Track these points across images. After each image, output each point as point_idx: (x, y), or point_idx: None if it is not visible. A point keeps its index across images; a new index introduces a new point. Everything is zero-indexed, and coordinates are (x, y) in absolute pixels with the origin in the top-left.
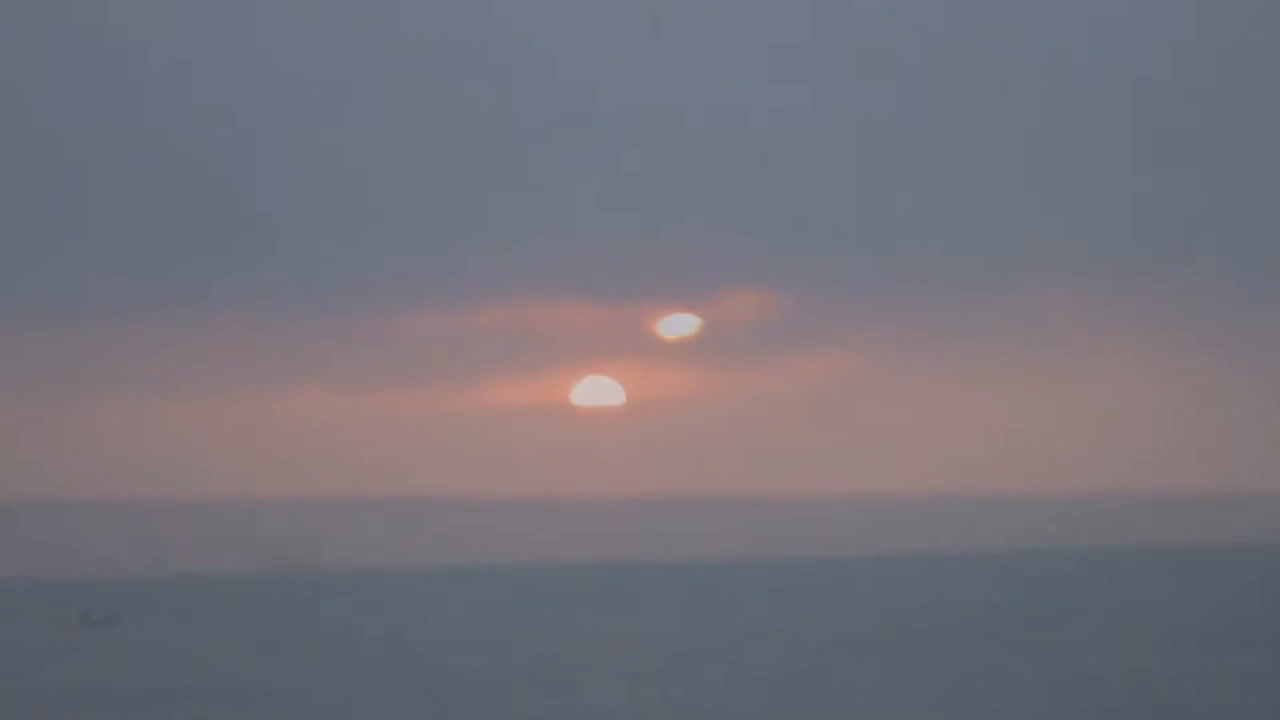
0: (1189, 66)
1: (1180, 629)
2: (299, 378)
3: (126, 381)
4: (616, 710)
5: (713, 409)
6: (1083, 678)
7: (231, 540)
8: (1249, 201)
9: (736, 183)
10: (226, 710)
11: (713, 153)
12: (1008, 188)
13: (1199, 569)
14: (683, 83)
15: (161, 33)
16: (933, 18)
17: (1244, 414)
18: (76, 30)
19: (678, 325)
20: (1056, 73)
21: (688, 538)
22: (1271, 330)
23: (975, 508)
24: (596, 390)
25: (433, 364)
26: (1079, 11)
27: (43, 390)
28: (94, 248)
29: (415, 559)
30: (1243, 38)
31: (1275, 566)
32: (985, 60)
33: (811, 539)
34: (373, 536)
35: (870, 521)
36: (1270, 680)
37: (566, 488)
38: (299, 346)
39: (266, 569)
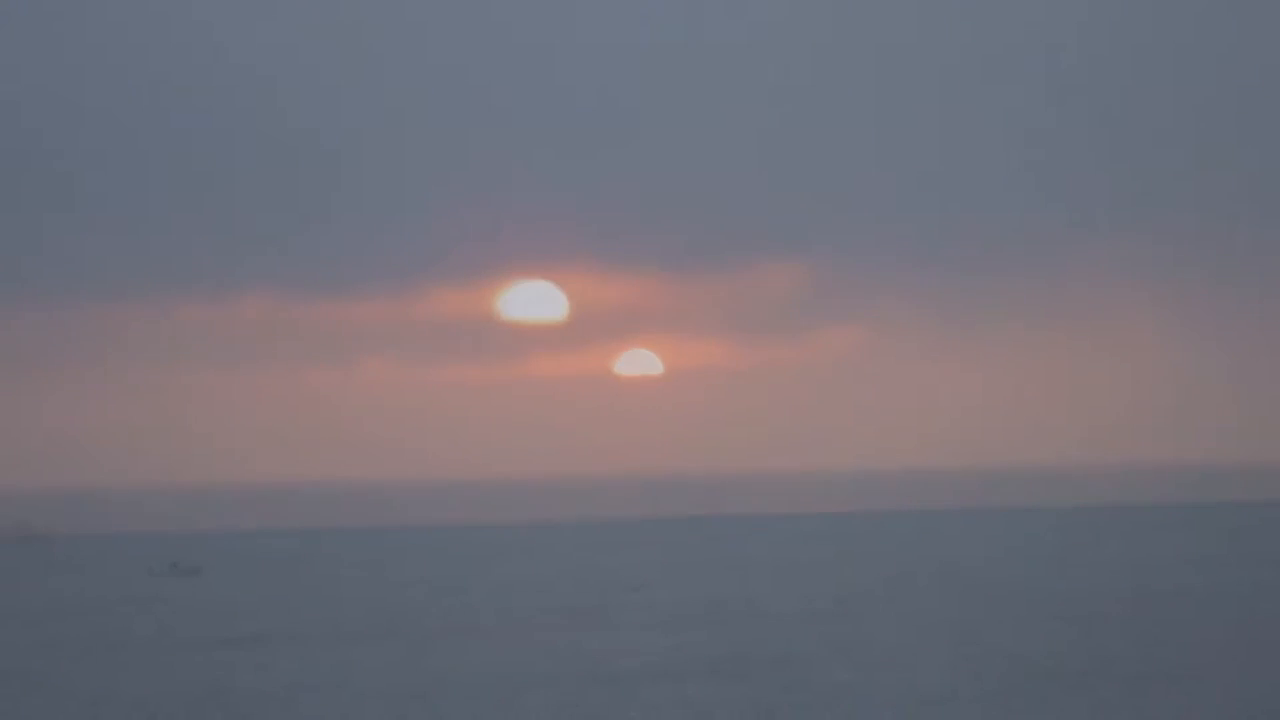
0: (1204, 62)
1: (1155, 583)
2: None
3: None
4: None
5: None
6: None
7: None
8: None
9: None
10: (298, 651)
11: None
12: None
13: (1175, 526)
14: (708, 58)
15: (203, 36)
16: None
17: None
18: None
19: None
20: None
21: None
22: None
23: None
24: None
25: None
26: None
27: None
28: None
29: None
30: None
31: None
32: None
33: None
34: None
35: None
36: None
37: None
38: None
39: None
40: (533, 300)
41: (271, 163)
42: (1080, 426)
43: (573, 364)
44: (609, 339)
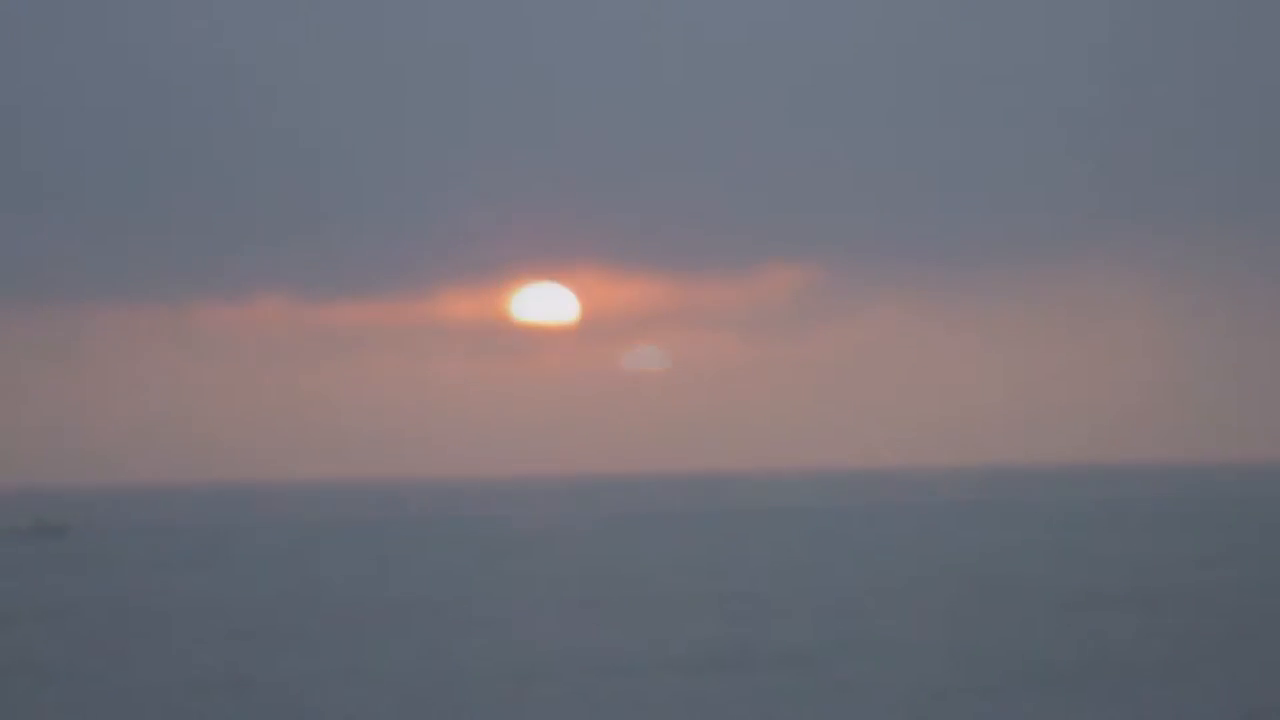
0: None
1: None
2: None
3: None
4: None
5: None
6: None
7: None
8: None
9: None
10: (313, 642)
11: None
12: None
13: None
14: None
15: (217, 33)
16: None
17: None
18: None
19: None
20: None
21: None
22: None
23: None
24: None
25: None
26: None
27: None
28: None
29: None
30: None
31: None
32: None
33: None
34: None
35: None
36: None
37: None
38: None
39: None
40: (544, 301)
41: (290, 168)
42: (1082, 424)
43: (583, 361)
44: (619, 338)
